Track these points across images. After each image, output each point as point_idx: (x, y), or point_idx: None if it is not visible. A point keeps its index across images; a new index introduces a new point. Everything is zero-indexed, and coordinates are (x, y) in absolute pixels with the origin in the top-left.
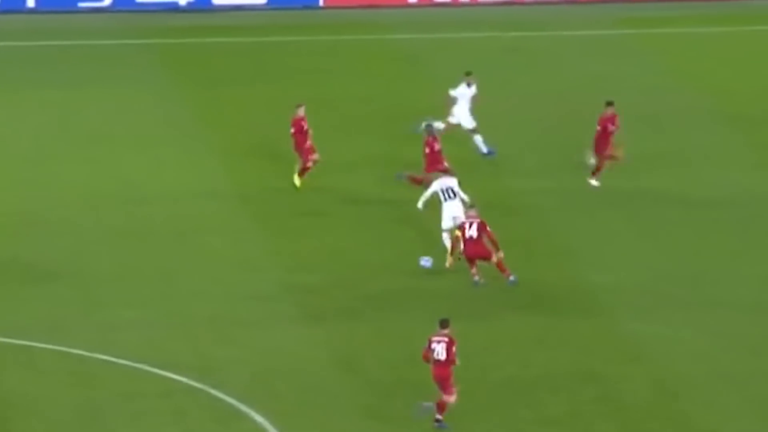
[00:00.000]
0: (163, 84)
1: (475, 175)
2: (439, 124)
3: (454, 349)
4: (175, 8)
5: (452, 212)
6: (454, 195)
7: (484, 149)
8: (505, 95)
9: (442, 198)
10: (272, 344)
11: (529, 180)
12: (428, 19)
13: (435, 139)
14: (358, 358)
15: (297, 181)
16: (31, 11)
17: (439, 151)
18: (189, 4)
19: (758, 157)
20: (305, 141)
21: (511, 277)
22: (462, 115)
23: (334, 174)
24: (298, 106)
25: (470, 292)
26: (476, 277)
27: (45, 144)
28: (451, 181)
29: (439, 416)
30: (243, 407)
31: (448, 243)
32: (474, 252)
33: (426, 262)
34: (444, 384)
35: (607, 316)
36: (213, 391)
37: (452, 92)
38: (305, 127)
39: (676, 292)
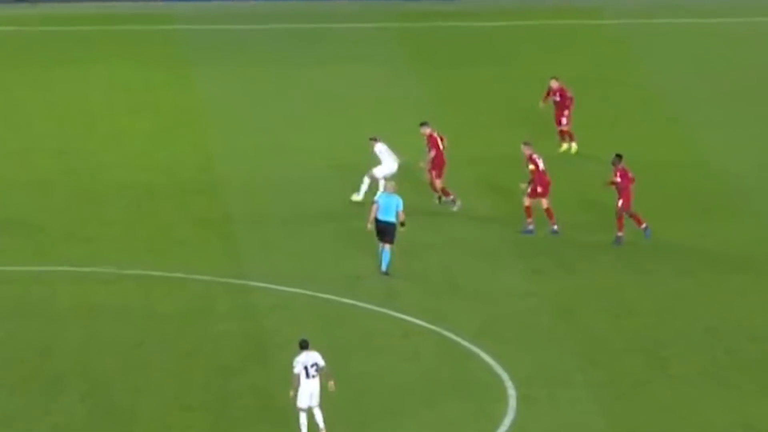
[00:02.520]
0: (400, 62)
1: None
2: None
3: None
4: None
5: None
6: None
7: None
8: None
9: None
10: (497, 293)
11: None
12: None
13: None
14: (574, 308)
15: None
16: None
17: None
18: None
19: None
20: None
21: None
22: None
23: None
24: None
25: (671, 248)
26: None
27: (296, 113)
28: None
29: None
30: (473, 348)
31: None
32: None
33: None
34: None
35: None
36: (446, 333)
37: None
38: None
39: None
